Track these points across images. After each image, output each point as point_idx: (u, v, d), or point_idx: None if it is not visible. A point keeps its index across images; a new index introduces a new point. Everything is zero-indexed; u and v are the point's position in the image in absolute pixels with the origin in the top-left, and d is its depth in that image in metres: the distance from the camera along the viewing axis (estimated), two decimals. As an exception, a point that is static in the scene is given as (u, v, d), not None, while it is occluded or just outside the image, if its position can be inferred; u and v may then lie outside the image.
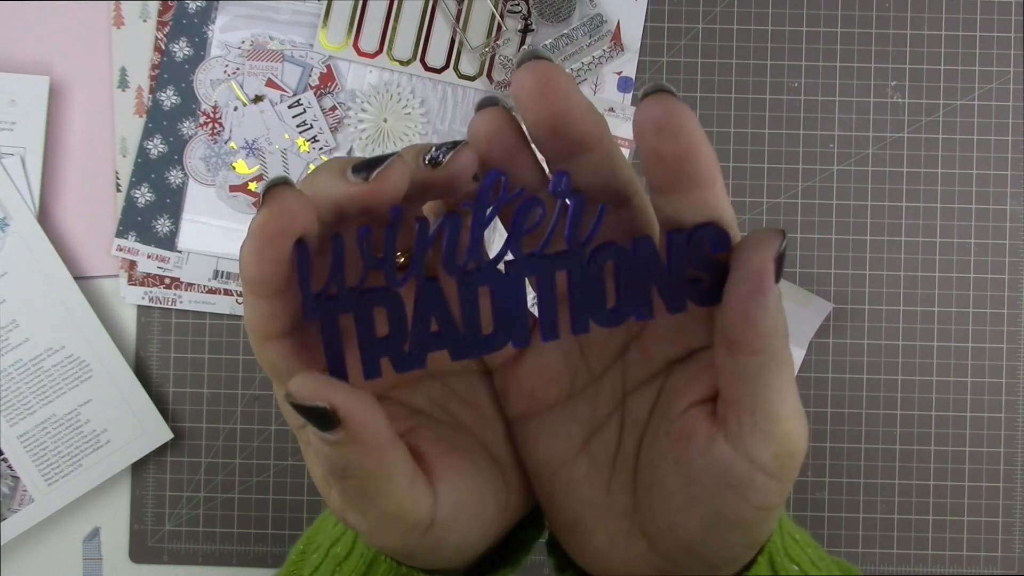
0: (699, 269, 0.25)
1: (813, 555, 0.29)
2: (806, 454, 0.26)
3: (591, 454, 0.28)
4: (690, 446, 0.25)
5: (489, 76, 0.76)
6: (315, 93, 0.76)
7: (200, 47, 0.76)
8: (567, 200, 0.25)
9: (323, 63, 0.76)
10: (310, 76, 0.76)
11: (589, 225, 0.25)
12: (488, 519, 0.27)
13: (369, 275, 0.25)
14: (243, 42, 0.76)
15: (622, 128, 0.76)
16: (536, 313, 0.26)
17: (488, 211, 0.25)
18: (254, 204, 0.77)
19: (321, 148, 0.76)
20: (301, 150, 0.76)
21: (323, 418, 0.23)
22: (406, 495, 0.25)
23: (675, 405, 0.26)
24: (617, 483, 0.27)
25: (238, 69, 0.76)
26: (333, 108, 0.76)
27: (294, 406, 0.24)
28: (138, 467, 0.77)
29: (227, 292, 0.77)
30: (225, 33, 0.76)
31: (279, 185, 0.24)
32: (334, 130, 0.76)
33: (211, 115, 0.76)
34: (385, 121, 0.76)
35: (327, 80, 0.76)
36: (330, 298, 0.25)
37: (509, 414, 0.29)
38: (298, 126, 0.76)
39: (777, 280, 0.24)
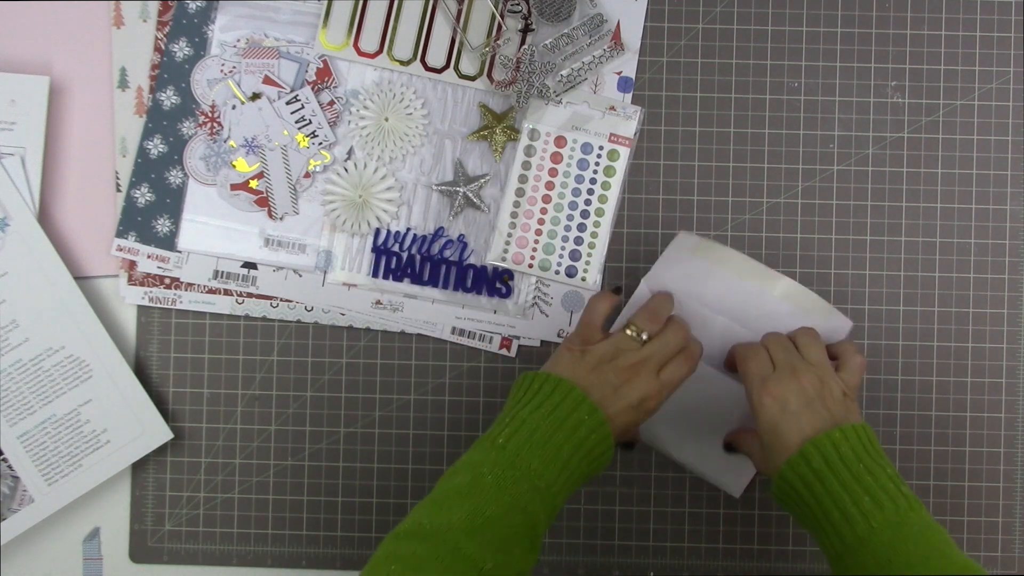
0: None
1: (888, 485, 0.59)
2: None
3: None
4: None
5: (489, 76, 0.76)
6: (312, 88, 0.76)
7: (200, 47, 0.76)
8: None
9: (319, 58, 0.76)
10: (307, 72, 0.76)
11: None
12: None
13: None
14: (239, 40, 0.76)
15: (622, 127, 0.76)
16: None
17: None
18: (258, 201, 0.77)
19: (320, 143, 0.76)
20: (300, 146, 0.76)
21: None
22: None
23: None
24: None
25: (235, 67, 0.76)
26: (331, 103, 0.76)
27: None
28: (138, 467, 0.77)
29: (227, 292, 0.77)
30: (225, 33, 0.76)
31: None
32: (333, 125, 0.76)
33: (210, 114, 0.76)
34: (386, 120, 0.76)
35: (324, 75, 0.76)
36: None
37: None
38: (297, 122, 0.76)
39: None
